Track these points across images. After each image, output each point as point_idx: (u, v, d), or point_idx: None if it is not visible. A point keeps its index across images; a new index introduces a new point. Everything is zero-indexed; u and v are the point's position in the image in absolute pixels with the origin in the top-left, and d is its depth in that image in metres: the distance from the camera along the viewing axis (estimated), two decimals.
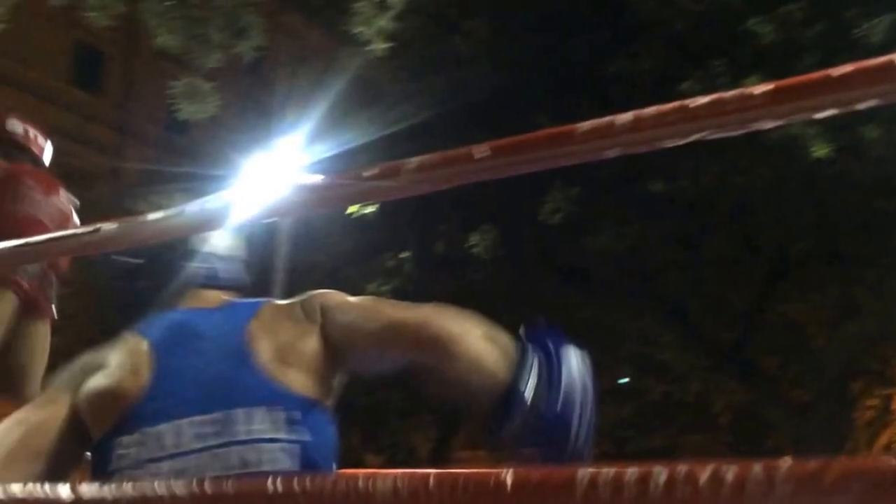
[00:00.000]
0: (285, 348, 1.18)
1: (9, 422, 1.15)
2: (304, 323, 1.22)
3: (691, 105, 0.71)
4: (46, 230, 1.86)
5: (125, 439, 1.12)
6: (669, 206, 7.91)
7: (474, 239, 8.69)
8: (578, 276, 9.76)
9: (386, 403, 12.13)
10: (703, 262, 8.75)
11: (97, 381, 1.17)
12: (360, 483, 0.63)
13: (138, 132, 17.32)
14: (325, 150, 7.79)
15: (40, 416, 1.16)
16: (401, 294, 9.98)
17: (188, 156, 12.58)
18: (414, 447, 13.66)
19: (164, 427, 1.10)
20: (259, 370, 1.15)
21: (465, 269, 9.24)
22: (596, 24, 7.32)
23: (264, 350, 1.17)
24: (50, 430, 1.14)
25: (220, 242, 1.36)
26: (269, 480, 0.64)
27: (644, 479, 0.53)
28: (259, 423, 1.10)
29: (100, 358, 1.21)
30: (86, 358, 1.23)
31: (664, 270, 9.02)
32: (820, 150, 6.11)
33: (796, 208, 7.61)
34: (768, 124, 0.72)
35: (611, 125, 0.74)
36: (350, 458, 3.20)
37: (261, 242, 9.33)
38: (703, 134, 0.71)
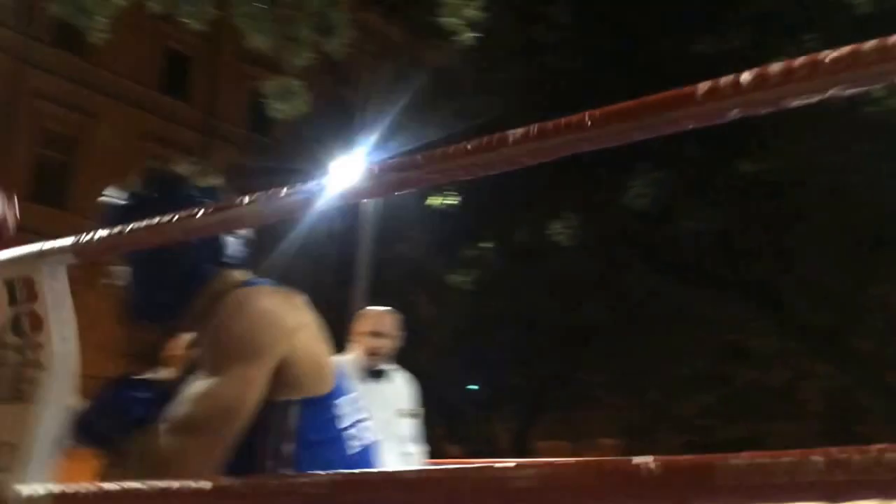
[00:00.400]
0: None
1: (232, 379, 1.17)
2: None
3: (824, 59, 0.66)
4: None
5: (342, 401, 1.26)
6: (761, 187, 7.71)
7: (556, 227, 8.66)
8: (664, 262, 9.62)
9: (468, 396, 12.23)
10: (796, 245, 8.50)
11: (311, 339, 1.23)
12: (509, 470, 0.67)
13: (223, 134, 17.86)
14: (409, 144, 7.89)
15: (252, 373, 1.17)
16: (483, 284, 10.02)
17: (272, 154, 12.93)
18: (494, 438, 13.71)
19: (352, 395, 1.30)
20: None
21: (548, 258, 9.21)
22: (682, 3, 7.19)
23: None
24: (260, 386, 1.17)
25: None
26: (427, 470, 0.73)
27: (797, 466, 0.54)
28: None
29: (293, 315, 1.23)
30: (277, 314, 1.21)
31: (755, 254, 8.80)
32: None
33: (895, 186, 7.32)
34: None
35: (735, 84, 0.70)
36: (433, 450, 3.32)
37: (345, 235, 9.51)
38: (836, 89, 0.66)
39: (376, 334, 2.94)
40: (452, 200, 8.88)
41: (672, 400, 11.96)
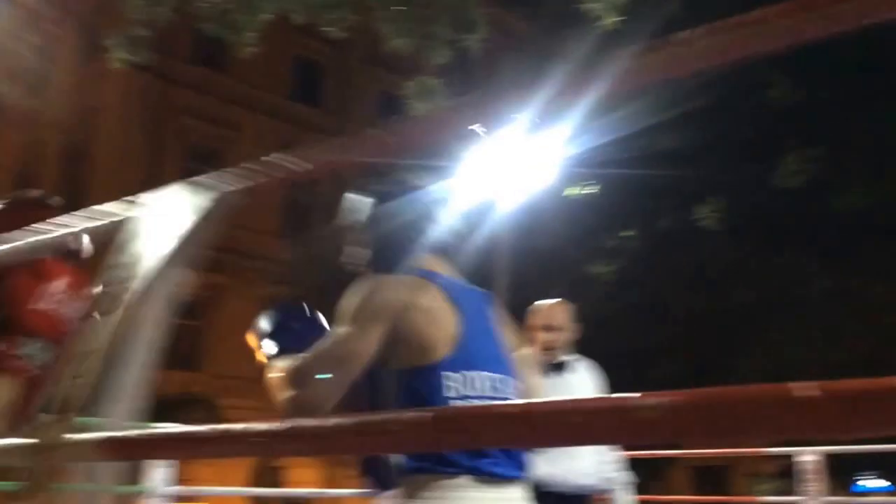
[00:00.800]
0: (507, 338, 1.60)
1: (343, 334, 1.42)
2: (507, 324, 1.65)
3: None
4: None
5: (451, 375, 1.43)
6: None
7: (702, 211, 8.36)
8: (818, 242, 9.11)
9: (614, 389, 11.95)
10: None
11: (421, 318, 1.44)
12: (628, 402, 0.62)
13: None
14: (546, 136, 7.81)
15: (364, 335, 1.42)
16: (627, 273, 9.79)
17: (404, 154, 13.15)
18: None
19: (475, 373, 1.45)
20: (508, 350, 1.56)
21: (693, 244, 8.90)
22: None
23: (505, 334, 1.59)
24: (370, 347, 1.41)
25: (448, 220, 1.66)
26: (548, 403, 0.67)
27: None
28: (511, 389, 1.51)
29: (407, 295, 1.45)
30: (392, 291, 1.45)
31: None
32: None
33: None
34: None
35: None
36: None
37: (484, 227, 9.54)
38: None
39: (549, 328, 2.92)
40: (591, 189, 8.72)
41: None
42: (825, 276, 9.48)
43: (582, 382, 2.92)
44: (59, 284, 2.40)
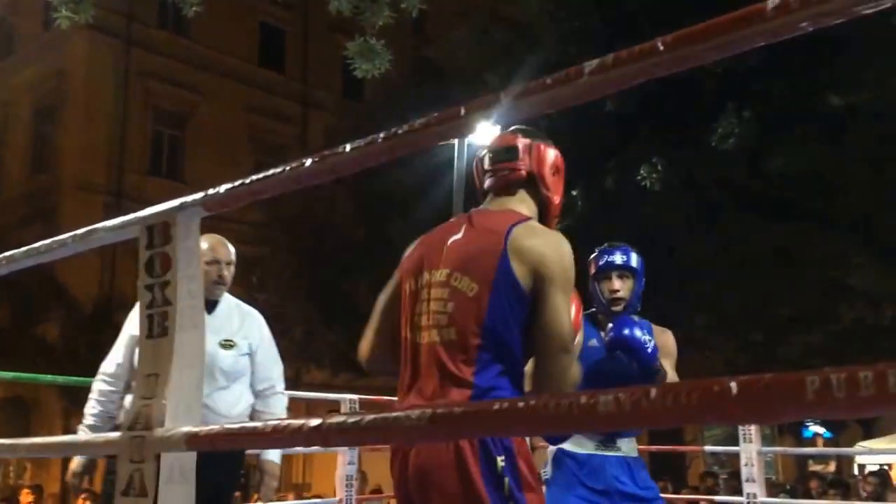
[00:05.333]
0: None
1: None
2: None
3: None
4: None
5: None
6: (853, 121, 7.53)
7: (644, 171, 8.67)
8: (757, 202, 9.49)
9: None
10: (893, 178, 8.27)
11: None
12: (583, 399, 0.71)
13: (319, 102, 18.53)
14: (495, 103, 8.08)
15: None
16: (573, 233, 10.08)
17: (365, 118, 13.40)
18: None
19: None
20: None
21: (637, 204, 9.24)
22: None
23: None
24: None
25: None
26: (499, 402, 0.79)
27: (881, 378, 0.54)
28: None
29: None
30: None
31: (850, 189, 8.61)
32: None
33: None
34: None
35: None
36: None
37: (438, 184, 9.85)
38: None
39: (213, 262, 2.81)
40: None
41: (776, 341, 11.78)
42: (768, 235, 9.88)
43: (229, 322, 2.85)
44: None
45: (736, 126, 7.66)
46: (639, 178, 8.80)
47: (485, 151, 1.85)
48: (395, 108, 11.48)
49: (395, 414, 0.88)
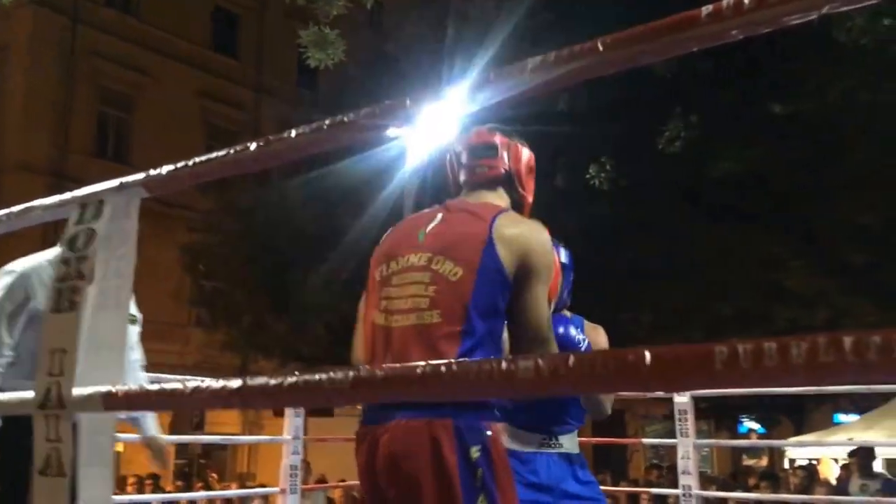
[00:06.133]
0: None
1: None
2: None
3: None
4: None
5: None
6: (794, 128, 7.77)
7: (593, 171, 8.81)
8: (702, 203, 9.72)
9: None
10: (831, 184, 8.56)
11: None
12: (504, 365, 0.73)
13: (272, 89, 18.32)
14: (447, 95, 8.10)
15: None
16: None
17: (319, 109, 13.31)
18: None
19: None
20: None
21: (586, 202, 9.39)
22: None
23: None
24: None
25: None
26: (422, 366, 0.80)
27: (784, 349, 0.55)
28: None
29: None
30: None
31: (790, 194, 8.88)
32: None
33: None
34: None
35: (737, 5, 0.71)
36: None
37: (389, 183, 9.85)
38: (831, 6, 0.69)
39: None
40: None
41: (715, 339, 12.06)
42: (711, 236, 10.11)
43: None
44: None
45: (682, 130, 7.85)
46: (588, 177, 8.96)
47: (461, 147, 1.88)
48: (350, 98, 11.44)
49: (317, 377, 0.87)
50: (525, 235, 1.66)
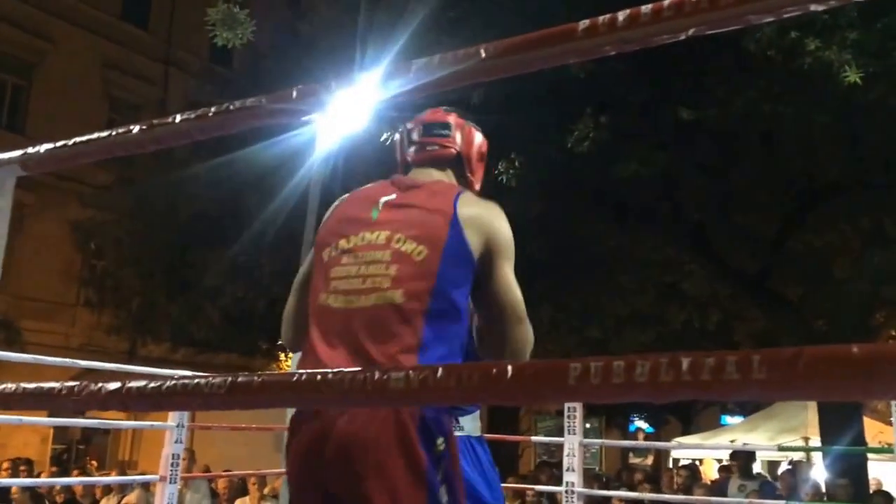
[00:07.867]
0: None
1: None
2: None
3: (687, 1, 0.73)
4: None
5: None
6: (698, 134, 8.03)
7: (502, 166, 8.89)
8: (607, 204, 9.94)
9: None
10: (729, 191, 8.90)
11: None
12: (377, 375, 0.76)
13: (182, 64, 17.71)
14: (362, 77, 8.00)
15: None
16: None
17: (231, 86, 12.97)
18: None
19: None
20: None
21: (492, 197, 9.45)
22: None
23: None
24: None
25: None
26: (298, 374, 0.81)
27: (630, 368, 0.60)
28: None
29: None
30: None
31: (691, 198, 9.19)
32: (853, 76, 5.83)
33: (827, 136, 7.60)
34: (764, 18, 0.73)
35: (611, 22, 0.75)
36: None
37: (298, 169, 9.67)
38: (697, 29, 0.72)
39: None
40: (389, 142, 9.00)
41: (612, 338, 12.42)
42: (613, 237, 10.39)
43: None
44: None
45: (591, 130, 8.00)
46: (496, 172, 9.04)
47: (413, 123, 1.85)
48: (263, 78, 11.18)
49: (196, 380, 0.87)
50: (489, 215, 1.67)
